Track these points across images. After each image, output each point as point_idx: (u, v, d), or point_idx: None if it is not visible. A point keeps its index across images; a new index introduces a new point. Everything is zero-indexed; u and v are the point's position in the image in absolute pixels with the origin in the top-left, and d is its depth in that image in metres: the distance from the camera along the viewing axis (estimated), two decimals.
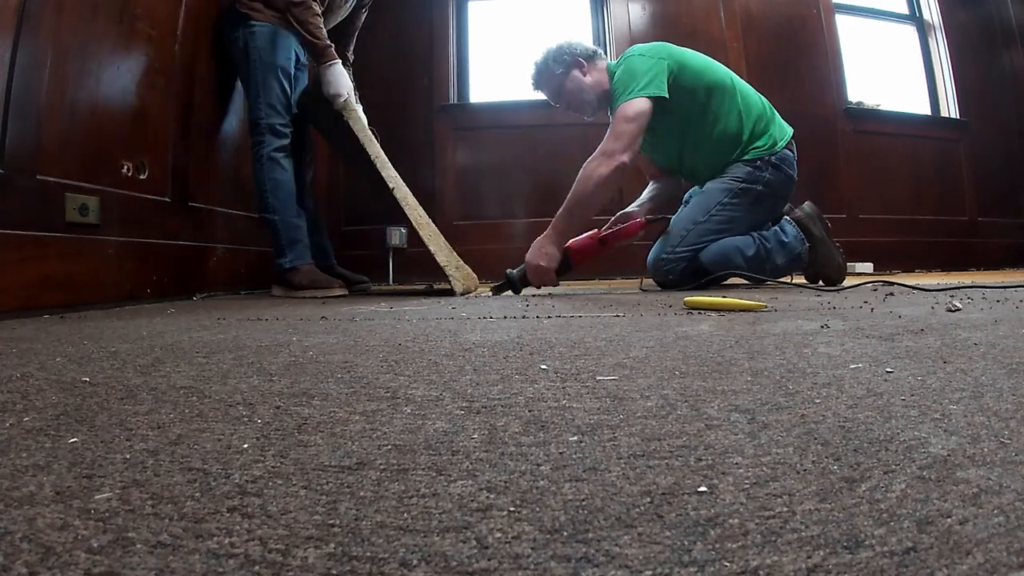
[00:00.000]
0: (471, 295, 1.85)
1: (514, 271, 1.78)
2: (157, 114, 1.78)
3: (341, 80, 1.83)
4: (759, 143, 1.85)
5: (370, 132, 1.87)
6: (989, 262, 3.38)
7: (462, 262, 1.98)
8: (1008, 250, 3.46)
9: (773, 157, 1.84)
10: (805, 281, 1.91)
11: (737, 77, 1.92)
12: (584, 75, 1.89)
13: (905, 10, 3.59)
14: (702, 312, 1.11)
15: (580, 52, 1.89)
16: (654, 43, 1.89)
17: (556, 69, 1.88)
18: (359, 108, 1.90)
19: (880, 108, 3.35)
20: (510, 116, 3.17)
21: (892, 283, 1.64)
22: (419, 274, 2.96)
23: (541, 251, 1.72)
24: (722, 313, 1.07)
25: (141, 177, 1.71)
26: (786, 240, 1.81)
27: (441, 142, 3.15)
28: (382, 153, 1.85)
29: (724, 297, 1.18)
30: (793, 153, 1.91)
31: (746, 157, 1.84)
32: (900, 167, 3.34)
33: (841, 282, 1.85)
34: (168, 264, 1.79)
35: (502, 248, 2.88)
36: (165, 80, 1.81)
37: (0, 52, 1.27)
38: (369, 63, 3.19)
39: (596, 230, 1.83)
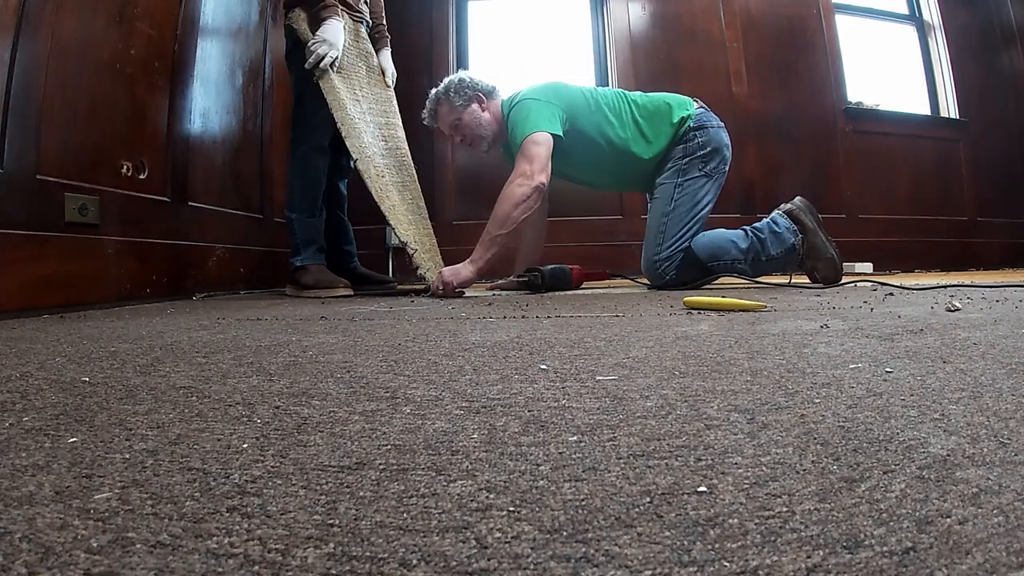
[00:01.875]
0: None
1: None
2: (157, 114, 1.78)
3: (336, 36, 1.81)
4: (666, 133, 1.90)
5: (340, 96, 1.83)
6: (989, 262, 3.38)
7: (439, 256, 1.98)
8: (1008, 250, 3.46)
9: (691, 124, 1.89)
10: (805, 280, 1.91)
11: (623, 94, 1.96)
12: (483, 110, 1.92)
13: (905, 10, 3.59)
14: (701, 312, 1.11)
15: (481, 88, 1.92)
16: (546, 84, 1.90)
17: (456, 102, 1.90)
18: (334, 75, 1.85)
19: (880, 108, 3.36)
20: None
21: (880, 283, 1.64)
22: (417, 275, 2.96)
23: (454, 275, 1.71)
24: (722, 313, 1.07)
25: (141, 177, 1.71)
26: (779, 230, 1.83)
27: (441, 142, 3.15)
28: (351, 120, 1.83)
29: (724, 297, 1.18)
30: (705, 109, 1.95)
31: (668, 145, 1.90)
32: (900, 167, 3.34)
33: (838, 280, 1.86)
34: (168, 264, 1.79)
35: (501, 247, 2.88)
36: (165, 80, 1.81)
37: (0, 52, 1.27)
38: None
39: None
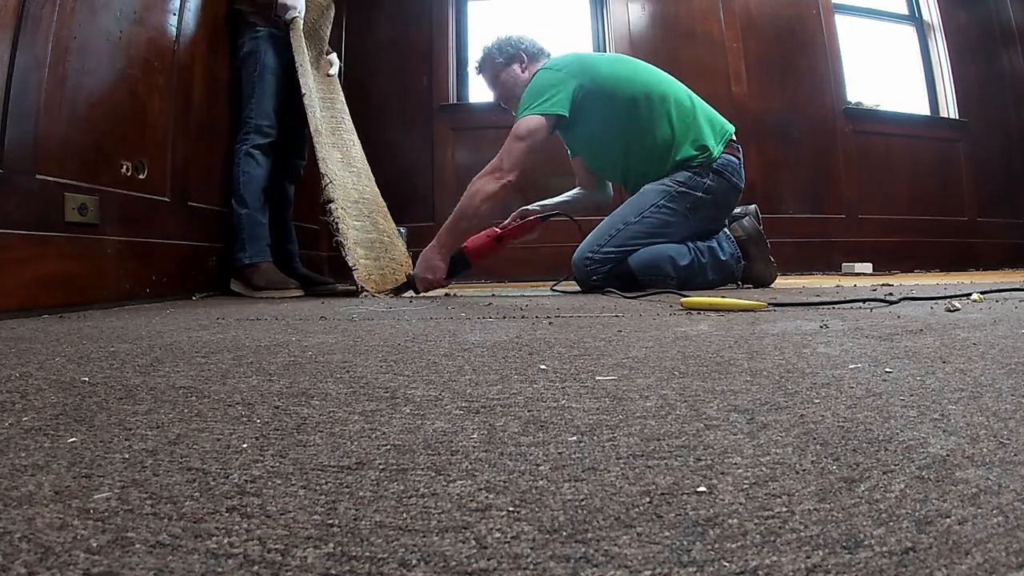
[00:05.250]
0: (380, 294, 1.83)
1: (413, 274, 1.76)
2: (157, 114, 1.78)
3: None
4: (694, 151, 1.79)
5: (307, 57, 1.95)
6: (989, 262, 3.38)
7: (398, 257, 2.05)
8: (1008, 250, 3.46)
9: (714, 163, 1.77)
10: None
11: (670, 82, 1.87)
12: (523, 71, 1.90)
13: (904, 10, 3.60)
14: (701, 312, 1.11)
15: (525, 47, 1.90)
16: (570, 55, 1.86)
17: (498, 58, 1.90)
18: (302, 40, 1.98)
19: (879, 108, 3.36)
20: (509, 116, 3.16)
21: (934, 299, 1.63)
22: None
23: (427, 265, 1.70)
24: (721, 313, 1.07)
25: (140, 177, 1.71)
26: (723, 259, 1.78)
27: (441, 142, 3.15)
28: (311, 89, 1.93)
29: (723, 297, 1.18)
30: (738, 159, 1.84)
31: (684, 163, 1.79)
32: (899, 167, 3.34)
33: (771, 282, 1.88)
34: (167, 264, 1.79)
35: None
36: (165, 80, 1.81)
37: (0, 52, 1.27)
38: (369, 63, 3.20)
39: (493, 228, 1.79)
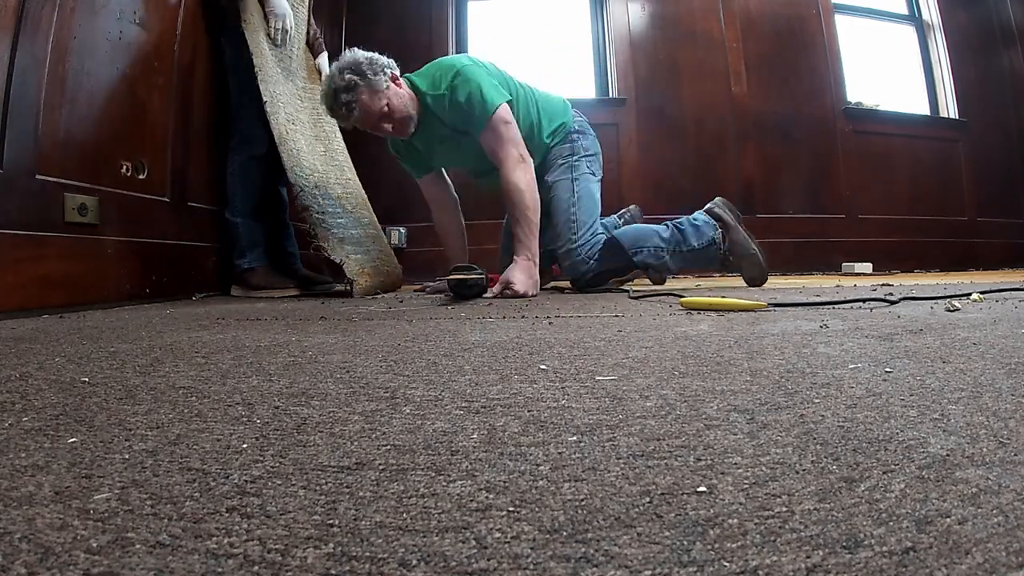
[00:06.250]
0: (379, 295, 1.84)
1: (477, 277, 1.59)
2: (157, 114, 1.78)
3: (281, 3, 1.96)
4: (557, 127, 1.91)
5: (268, 56, 1.93)
6: (988, 262, 3.38)
7: (385, 255, 2.05)
8: (1008, 250, 3.46)
9: (574, 128, 1.93)
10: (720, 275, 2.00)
11: (518, 82, 1.91)
12: (400, 87, 1.73)
13: (904, 10, 3.60)
14: (701, 312, 1.11)
15: (389, 63, 1.72)
16: (457, 57, 1.87)
17: (379, 85, 1.67)
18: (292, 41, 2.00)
19: (879, 108, 3.36)
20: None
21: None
22: (418, 275, 2.96)
23: (531, 280, 1.67)
24: (721, 313, 1.07)
25: (140, 177, 1.71)
26: (698, 224, 1.84)
27: None
28: (274, 96, 1.90)
29: (723, 297, 1.18)
30: (583, 117, 2.00)
31: (557, 141, 1.91)
32: (899, 167, 3.34)
33: (764, 282, 1.86)
34: (167, 264, 1.79)
35: (500, 248, 2.88)
36: (165, 80, 1.81)
37: (0, 52, 1.27)
38: None
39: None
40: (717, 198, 1.92)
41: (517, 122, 1.78)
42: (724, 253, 1.82)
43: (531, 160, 1.75)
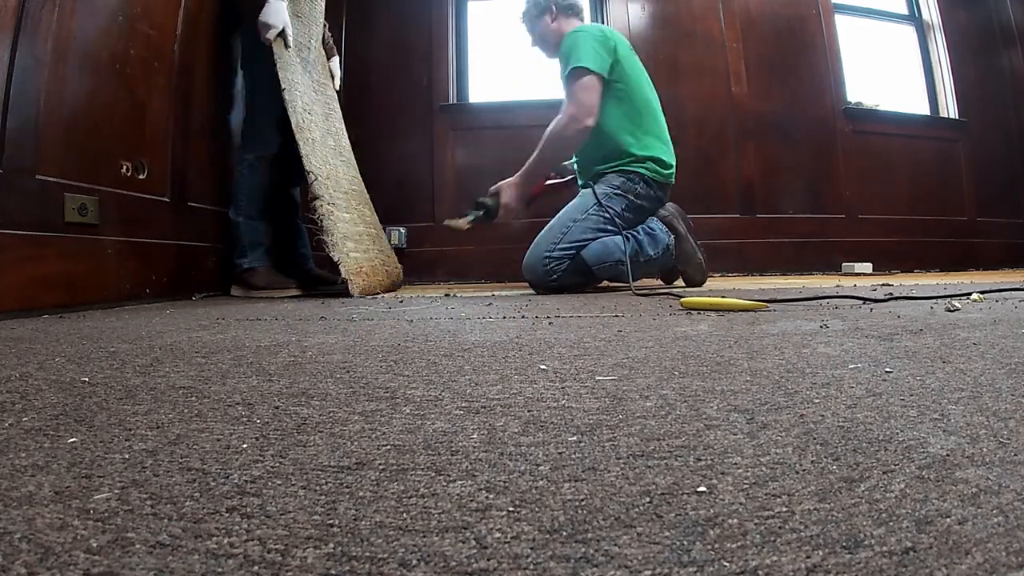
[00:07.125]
0: (380, 295, 1.86)
1: (488, 200, 1.97)
2: (157, 114, 1.78)
3: (278, 14, 1.90)
4: (640, 162, 1.96)
5: (295, 71, 1.94)
6: (988, 262, 3.38)
7: (387, 252, 2.07)
8: (1008, 250, 3.46)
9: (648, 177, 1.97)
10: (664, 284, 2.08)
11: (655, 99, 2.06)
12: (552, 21, 2.10)
13: (904, 10, 3.59)
14: (701, 312, 1.11)
15: (556, 1, 2.09)
16: (605, 29, 2.02)
17: (533, 12, 2.12)
18: (288, 51, 1.96)
19: (879, 108, 3.35)
20: (509, 116, 3.17)
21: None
22: (419, 275, 2.96)
23: (516, 194, 1.96)
24: (721, 313, 1.07)
25: (140, 177, 1.70)
26: (654, 232, 1.93)
27: (440, 142, 3.15)
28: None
29: (723, 297, 1.18)
30: (670, 183, 2.05)
31: (625, 168, 1.96)
32: (899, 167, 3.34)
33: (703, 282, 2.03)
34: (167, 264, 1.79)
35: (500, 248, 2.89)
36: (165, 80, 1.81)
37: (0, 52, 1.27)
38: (368, 63, 3.20)
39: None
40: (670, 204, 2.02)
41: (611, 109, 1.93)
42: (674, 260, 1.98)
43: (589, 123, 1.87)
